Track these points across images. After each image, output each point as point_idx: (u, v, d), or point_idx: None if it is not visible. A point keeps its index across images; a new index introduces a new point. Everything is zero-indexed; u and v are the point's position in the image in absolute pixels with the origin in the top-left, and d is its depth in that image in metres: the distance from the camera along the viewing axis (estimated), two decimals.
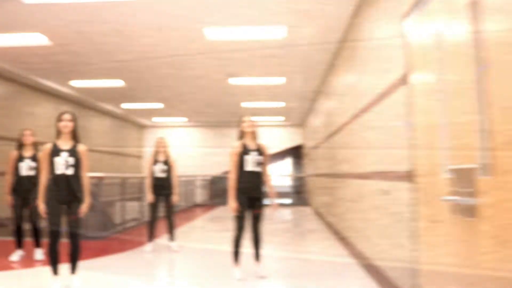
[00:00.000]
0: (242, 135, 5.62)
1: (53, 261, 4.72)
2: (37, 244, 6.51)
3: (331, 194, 9.77)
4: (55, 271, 4.72)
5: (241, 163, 5.46)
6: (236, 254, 5.46)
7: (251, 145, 5.55)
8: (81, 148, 4.86)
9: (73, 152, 4.76)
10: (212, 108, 16.35)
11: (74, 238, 4.79)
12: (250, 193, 5.42)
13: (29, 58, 9.47)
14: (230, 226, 5.93)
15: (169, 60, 9.62)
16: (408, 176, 3.93)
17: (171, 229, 7.36)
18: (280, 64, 9.99)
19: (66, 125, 4.76)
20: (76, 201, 4.76)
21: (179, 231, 8.79)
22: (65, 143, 4.79)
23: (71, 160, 4.71)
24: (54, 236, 4.67)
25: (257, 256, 5.55)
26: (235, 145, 5.55)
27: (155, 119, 19.97)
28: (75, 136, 4.87)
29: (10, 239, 6.81)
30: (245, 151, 5.48)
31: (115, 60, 9.48)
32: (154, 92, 13.35)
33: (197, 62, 9.84)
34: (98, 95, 13.96)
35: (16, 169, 6.36)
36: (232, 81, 11.56)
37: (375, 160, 5.35)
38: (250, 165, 5.44)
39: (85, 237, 8.03)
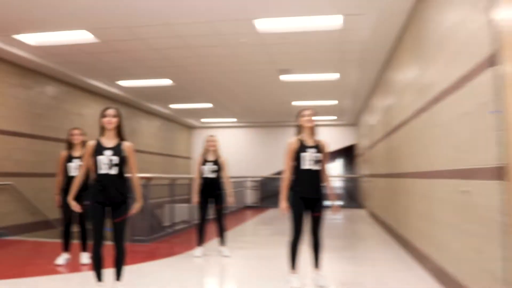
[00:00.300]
0: (300, 130, 5.09)
1: (96, 266, 4.36)
2: (84, 248, 6.27)
3: (391, 196, 9.12)
4: (98, 277, 4.36)
5: (297, 161, 4.96)
6: (293, 260, 4.96)
7: (308, 141, 5.02)
8: (126, 145, 4.48)
9: (117, 150, 4.39)
10: (262, 107, 15.93)
11: (119, 242, 4.42)
12: (308, 194, 4.91)
13: (76, 57, 9.31)
14: (281, 228, 5.43)
15: (218, 56, 9.25)
16: (498, 173, 3.33)
17: (221, 233, 6.92)
18: (334, 59, 9.44)
19: (110, 120, 4.39)
20: (122, 202, 4.39)
21: (229, 233, 8.35)
22: (109, 141, 4.41)
23: (115, 159, 4.34)
24: (97, 240, 4.32)
25: (316, 263, 5.04)
26: (291, 141, 5.04)
27: (204, 120, 19.76)
28: (119, 133, 4.50)
29: (59, 241, 6.55)
30: (302, 147, 4.97)
31: (163, 57, 9.20)
32: (203, 91, 13.04)
33: (247, 58, 9.41)
34: (147, 95, 13.79)
35: (65, 169, 6.12)
36: (284, 77, 11.07)
37: (449, 156, 4.73)
38: (307, 163, 4.93)
39: (132, 241, 7.82)
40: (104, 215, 4.36)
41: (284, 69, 10.33)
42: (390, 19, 6.93)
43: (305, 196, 4.90)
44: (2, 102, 9.04)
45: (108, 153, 4.33)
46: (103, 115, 4.42)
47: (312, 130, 5.07)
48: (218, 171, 6.86)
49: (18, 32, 7.79)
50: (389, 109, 9.15)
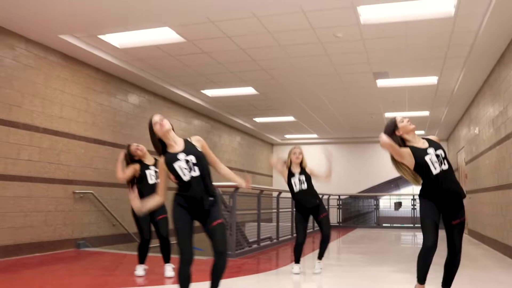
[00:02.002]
0: (396, 140, 4.18)
1: (182, 285, 3.65)
2: (167, 259, 5.68)
3: (506, 209, 7.91)
4: None
5: (423, 170, 4.06)
6: (423, 273, 4.03)
7: (419, 143, 4.16)
8: (195, 140, 3.80)
9: (189, 149, 3.71)
10: (350, 119, 14.99)
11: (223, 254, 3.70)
12: (447, 200, 4.03)
13: (160, 61, 8.94)
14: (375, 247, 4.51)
15: (307, 56, 8.53)
16: None
17: (324, 244, 6.08)
18: (436, 57, 8.44)
19: (162, 124, 3.65)
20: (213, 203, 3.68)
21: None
22: (174, 146, 3.71)
23: (192, 159, 3.66)
24: (185, 259, 3.59)
25: (447, 282, 4.09)
26: (405, 149, 4.15)
27: (287, 136, 19.11)
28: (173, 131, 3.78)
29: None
30: (419, 152, 4.08)
31: (248, 58, 8.60)
32: (286, 101, 12.38)
33: (340, 58, 8.61)
34: (229, 106, 13.34)
35: (142, 178, 5.68)
36: (381, 82, 10.16)
37: None
38: (436, 167, 4.01)
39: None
40: (192, 227, 3.69)
41: (381, 72, 9.43)
42: None
43: (443, 202, 4.05)
44: (86, 109, 8.78)
45: (181, 156, 3.63)
46: (151, 125, 3.73)
47: (414, 134, 4.22)
48: (309, 180, 6.05)
49: (102, 32, 7.49)
50: (503, 113, 8.01)
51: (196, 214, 3.66)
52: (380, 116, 13.95)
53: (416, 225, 16.04)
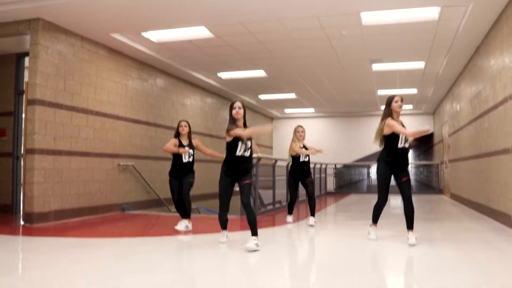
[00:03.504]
0: (390, 114, 5.92)
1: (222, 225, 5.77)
2: (183, 215, 7.03)
3: (481, 174, 9.60)
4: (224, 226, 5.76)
5: (393, 139, 5.88)
6: (376, 217, 6.14)
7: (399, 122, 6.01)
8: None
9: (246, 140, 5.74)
10: (347, 96, 16.60)
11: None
12: (399, 165, 5.97)
13: (185, 52, 10.41)
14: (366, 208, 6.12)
15: (315, 48, 10.03)
16: None
17: (311, 202, 7.86)
18: (424, 47, 9.99)
19: (238, 112, 5.65)
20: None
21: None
22: (240, 129, 5.55)
23: (249, 144, 5.61)
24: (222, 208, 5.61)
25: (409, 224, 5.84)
26: (392, 121, 5.89)
27: (287, 110, 20.56)
28: (244, 122, 5.85)
29: (171, 214, 7.58)
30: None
31: (265, 49, 10.07)
32: (291, 82, 13.87)
33: (343, 49, 10.15)
34: (239, 86, 14.77)
35: (175, 154, 7.01)
36: (376, 66, 11.72)
37: None
38: (402, 143, 5.89)
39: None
40: (232, 188, 5.69)
41: (376, 58, 10.97)
42: (488, 5, 7.37)
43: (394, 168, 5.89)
44: (125, 93, 10.25)
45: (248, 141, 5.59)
46: (232, 108, 5.56)
47: (399, 115, 5.95)
48: (308, 155, 7.91)
49: (146, 30, 8.91)
50: (479, 94, 9.62)
51: (235, 177, 5.57)
52: (373, 93, 15.51)
53: None
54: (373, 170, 20.24)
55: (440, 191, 17.11)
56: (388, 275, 4.50)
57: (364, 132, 20.09)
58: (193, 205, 12.51)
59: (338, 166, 19.25)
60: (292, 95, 16.38)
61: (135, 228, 7.84)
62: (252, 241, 5.28)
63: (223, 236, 5.78)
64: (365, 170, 21.96)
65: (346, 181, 21.46)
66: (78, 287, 3.88)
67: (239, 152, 5.48)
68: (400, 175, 5.84)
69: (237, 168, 5.52)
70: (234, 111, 5.53)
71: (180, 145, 7.02)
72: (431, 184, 19.90)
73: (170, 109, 12.22)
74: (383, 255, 5.45)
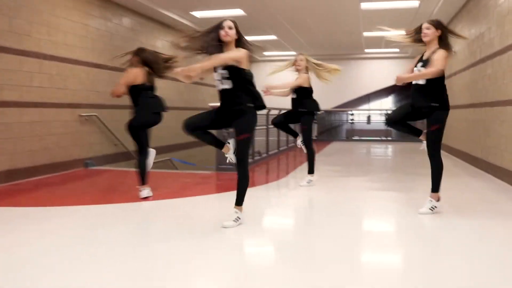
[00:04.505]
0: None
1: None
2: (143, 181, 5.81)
3: (479, 126, 8.83)
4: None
5: None
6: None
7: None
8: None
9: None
10: (331, 38, 15.50)
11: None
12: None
13: None
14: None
15: None
16: None
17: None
18: None
19: (227, 33, 4.25)
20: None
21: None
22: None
23: (225, 73, 4.27)
24: (186, 123, 4.35)
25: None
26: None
27: (267, 53, 19.46)
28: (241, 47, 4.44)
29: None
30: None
31: None
32: (272, 22, 12.73)
33: None
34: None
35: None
36: (365, 5, 10.62)
37: None
38: None
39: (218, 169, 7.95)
40: (213, 122, 4.45)
41: None
42: None
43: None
44: (85, 34, 9.04)
45: (221, 70, 4.23)
46: (220, 27, 4.21)
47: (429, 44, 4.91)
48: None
49: None
50: (481, 37, 8.69)
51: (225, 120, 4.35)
52: (359, 35, 14.46)
53: (389, 138, 17.23)
54: (356, 117, 19.52)
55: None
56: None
57: (346, 77, 19.15)
58: (167, 157, 11.64)
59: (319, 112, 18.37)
60: (273, 37, 15.22)
61: (97, 191, 6.76)
62: (233, 214, 4.37)
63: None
64: (347, 116, 21.15)
65: (327, 127, 20.72)
66: None
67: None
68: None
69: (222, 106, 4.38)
70: (222, 32, 4.18)
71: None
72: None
73: None
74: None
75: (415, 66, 4.92)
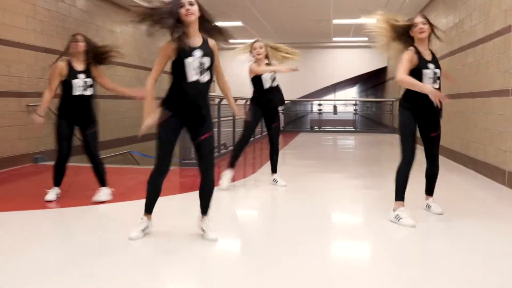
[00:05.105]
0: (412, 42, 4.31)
1: (153, 198, 3.71)
2: (102, 182, 5.14)
3: (458, 117, 8.43)
4: (150, 209, 3.69)
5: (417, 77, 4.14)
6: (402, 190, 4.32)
7: (426, 54, 4.30)
8: (212, 43, 3.66)
9: (206, 51, 3.57)
10: (299, 25, 14.93)
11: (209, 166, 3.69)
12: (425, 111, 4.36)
13: None
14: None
15: None
16: None
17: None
18: None
19: (189, 10, 3.40)
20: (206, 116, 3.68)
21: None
22: (192, 39, 3.55)
23: (207, 61, 3.55)
24: (161, 169, 3.61)
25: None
26: (409, 53, 4.18)
27: (233, 41, 18.73)
28: (205, 27, 3.66)
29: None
30: (422, 62, 4.20)
31: None
32: (235, 7, 12.06)
33: None
34: None
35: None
36: None
37: None
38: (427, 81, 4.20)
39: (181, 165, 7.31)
40: (178, 136, 3.61)
41: None
42: None
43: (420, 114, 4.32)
44: (33, 15, 8.16)
45: (198, 53, 3.45)
46: (180, 5, 3.37)
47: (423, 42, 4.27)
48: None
49: None
50: (460, 24, 8.26)
51: (188, 122, 3.56)
52: (329, 22, 13.94)
53: (357, 129, 16.92)
54: (323, 107, 19.07)
55: (394, 129, 16.13)
56: None
57: (313, 66, 18.69)
58: (125, 150, 10.87)
59: (286, 102, 17.86)
60: (238, 23, 14.53)
61: (34, 194, 5.52)
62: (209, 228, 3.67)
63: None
64: (314, 106, 20.70)
65: (292, 117, 20.23)
66: None
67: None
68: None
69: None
70: (182, 11, 3.36)
71: (71, 71, 5.01)
72: (381, 122, 18.97)
73: (95, 36, 10.04)
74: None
75: (422, 68, 4.17)
